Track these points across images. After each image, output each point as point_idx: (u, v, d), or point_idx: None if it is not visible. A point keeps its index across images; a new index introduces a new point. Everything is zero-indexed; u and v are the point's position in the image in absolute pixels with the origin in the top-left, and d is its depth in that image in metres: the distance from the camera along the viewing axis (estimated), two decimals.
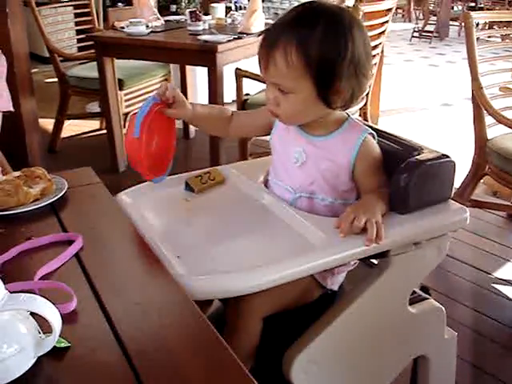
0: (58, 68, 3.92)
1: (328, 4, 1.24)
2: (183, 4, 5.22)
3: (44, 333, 0.80)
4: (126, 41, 3.28)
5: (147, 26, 3.40)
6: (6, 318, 0.76)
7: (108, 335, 0.83)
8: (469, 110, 2.66)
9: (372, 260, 1.45)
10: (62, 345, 0.80)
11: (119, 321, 0.86)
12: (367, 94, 3.35)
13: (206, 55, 3.03)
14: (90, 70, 3.84)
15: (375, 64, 3.17)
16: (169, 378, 0.76)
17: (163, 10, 5.10)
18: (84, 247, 1.08)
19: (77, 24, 4.40)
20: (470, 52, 2.51)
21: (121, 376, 0.76)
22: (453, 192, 1.33)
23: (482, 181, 2.80)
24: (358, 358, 1.34)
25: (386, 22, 3.30)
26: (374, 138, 1.33)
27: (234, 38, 3.16)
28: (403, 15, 13.43)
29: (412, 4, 12.60)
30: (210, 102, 3.08)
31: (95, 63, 3.47)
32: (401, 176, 1.22)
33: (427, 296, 1.46)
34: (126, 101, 3.70)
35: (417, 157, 1.26)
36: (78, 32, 4.33)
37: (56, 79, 4.05)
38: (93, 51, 3.54)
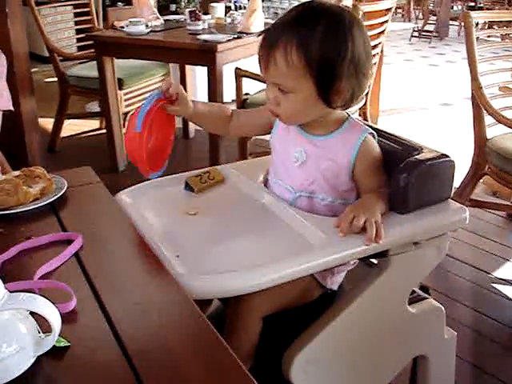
0: (58, 67, 3.92)
1: (328, 4, 1.24)
2: (183, 3, 5.22)
3: (44, 332, 0.80)
4: (125, 40, 3.28)
5: (147, 26, 3.39)
6: (5, 318, 0.76)
7: (108, 335, 0.83)
8: (468, 109, 2.66)
9: (372, 260, 1.45)
10: (62, 344, 0.80)
11: (119, 320, 0.86)
12: (367, 94, 3.36)
13: (206, 55, 3.03)
14: (89, 70, 3.84)
15: (375, 64, 3.17)
16: (168, 377, 0.76)
17: (163, 9, 5.11)
18: (84, 247, 1.08)
19: (76, 23, 4.40)
20: (470, 52, 2.51)
21: (120, 376, 0.76)
22: (452, 192, 1.33)
23: (481, 180, 2.80)
24: (357, 358, 1.34)
25: (386, 21, 3.31)
26: (374, 137, 1.33)
27: (234, 38, 3.16)
28: (403, 15, 13.43)
29: (412, 4, 12.62)
30: (210, 102, 3.08)
31: (95, 63, 3.47)
32: (400, 176, 1.22)
33: (427, 296, 1.47)
34: (125, 100, 3.70)
35: (416, 156, 1.26)
36: (78, 31, 4.33)
37: (56, 79, 4.05)
38: (92, 51, 3.54)
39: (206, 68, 3.09)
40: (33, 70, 3.35)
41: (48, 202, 1.25)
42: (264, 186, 1.42)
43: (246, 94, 3.22)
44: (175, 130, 1.40)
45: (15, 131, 2.91)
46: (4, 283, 0.77)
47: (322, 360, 1.27)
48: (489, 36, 6.78)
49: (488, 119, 2.59)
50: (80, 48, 4.38)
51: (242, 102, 3.15)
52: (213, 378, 0.77)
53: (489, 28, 8.32)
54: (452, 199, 1.32)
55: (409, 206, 1.24)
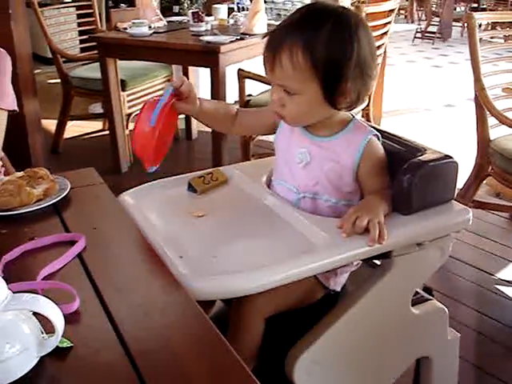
0: (61, 69, 3.92)
1: (333, 5, 1.24)
2: (186, 5, 5.23)
3: (47, 333, 0.80)
4: (128, 42, 3.28)
5: (150, 27, 3.40)
6: (8, 318, 0.76)
7: (111, 335, 0.83)
8: (472, 110, 2.66)
9: (375, 261, 1.45)
10: (65, 345, 0.80)
11: (122, 321, 0.86)
12: (370, 95, 3.35)
13: (209, 56, 3.03)
14: (92, 71, 3.84)
15: (378, 64, 3.16)
16: (172, 378, 0.76)
17: (166, 10, 5.12)
18: (87, 247, 1.08)
19: (79, 25, 4.41)
20: (473, 53, 2.51)
21: (123, 376, 0.76)
22: (456, 193, 1.33)
23: (484, 182, 2.79)
24: (360, 359, 1.34)
25: (389, 22, 3.31)
26: (378, 139, 1.33)
27: (237, 39, 3.16)
28: (406, 16, 13.43)
29: (414, 5, 12.61)
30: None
31: (98, 64, 3.47)
32: (404, 177, 1.22)
33: (430, 297, 1.46)
34: (128, 101, 3.70)
35: (420, 157, 1.26)
36: (81, 33, 4.35)
37: (59, 80, 4.06)
38: (95, 52, 3.54)
39: (208, 69, 3.10)
40: (36, 71, 3.36)
41: (51, 202, 1.25)
42: (267, 186, 1.42)
43: (249, 95, 3.22)
44: (177, 128, 1.40)
45: (18, 132, 2.91)
46: (7, 284, 0.78)
47: (325, 361, 1.27)
48: (492, 37, 6.78)
49: (491, 120, 2.58)
50: (83, 49, 4.38)
51: (245, 104, 3.15)
52: (216, 378, 0.77)
53: (492, 29, 8.32)
54: (455, 200, 1.32)
55: (412, 207, 1.24)
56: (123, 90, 3.61)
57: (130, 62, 3.83)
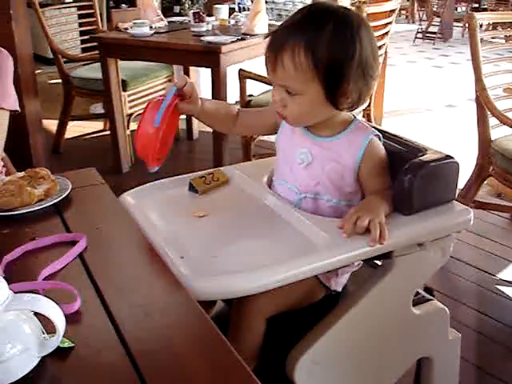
0: (62, 69, 3.93)
1: (335, 5, 1.24)
2: (187, 5, 5.24)
3: (48, 333, 0.80)
4: (129, 42, 3.29)
5: (151, 27, 3.40)
6: (9, 318, 0.76)
7: (112, 336, 0.83)
8: (473, 111, 2.66)
9: (376, 261, 1.45)
10: (66, 345, 0.80)
11: (123, 321, 0.86)
12: (371, 95, 3.35)
13: (210, 56, 3.03)
14: (93, 71, 3.85)
15: (379, 64, 3.16)
16: (172, 378, 0.76)
17: (167, 11, 5.12)
18: (88, 248, 1.08)
19: (80, 25, 4.41)
20: (474, 53, 2.51)
21: (124, 376, 0.76)
22: (456, 193, 1.33)
23: (485, 182, 2.79)
24: (361, 360, 1.34)
25: (390, 23, 3.31)
26: (379, 139, 1.33)
27: (238, 39, 3.16)
28: (407, 16, 13.44)
29: (415, 5, 12.62)
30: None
31: (99, 64, 3.48)
32: (405, 177, 1.22)
33: (431, 297, 1.46)
34: (129, 102, 3.70)
35: (421, 158, 1.26)
36: (82, 33, 4.35)
37: (60, 80, 4.06)
38: (96, 52, 3.55)
39: (209, 69, 3.10)
40: (37, 71, 3.37)
41: (52, 202, 1.25)
42: (268, 187, 1.42)
43: (250, 95, 3.22)
44: (178, 128, 1.40)
45: (19, 132, 2.91)
46: (8, 284, 0.78)
47: (326, 361, 1.27)
48: (493, 37, 6.77)
49: (492, 120, 2.58)
50: (84, 50, 4.39)
51: (246, 104, 3.15)
52: (217, 379, 0.77)
53: (493, 29, 8.32)
54: (456, 200, 1.32)
55: (413, 207, 1.24)
56: (124, 90, 3.61)
57: (131, 62, 3.83)
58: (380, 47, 3.21)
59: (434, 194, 1.28)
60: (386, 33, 3.29)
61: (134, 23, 3.37)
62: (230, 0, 4.37)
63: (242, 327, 1.24)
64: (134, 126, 3.86)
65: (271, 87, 1.28)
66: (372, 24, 2.93)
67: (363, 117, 3.42)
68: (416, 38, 10.36)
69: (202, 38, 3.15)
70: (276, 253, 1.13)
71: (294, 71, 1.17)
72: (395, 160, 1.31)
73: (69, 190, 1.29)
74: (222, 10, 3.87)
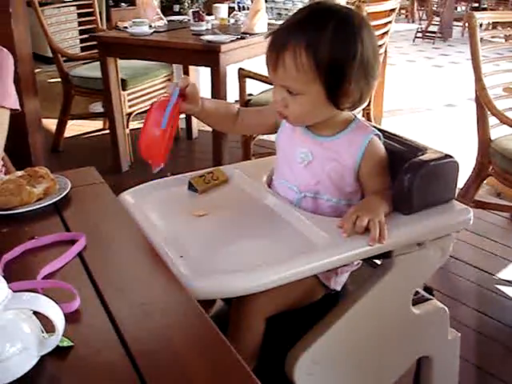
0: (62, 68, 3.92)
1: (336, 5, 1.24)
2: (186, 4, 5.23)
3: (47, 332, 0.80)
4: (129, 41, 3.28)
5: (150, 26, 3.40)
6: (9, 318, 0.76)
7: (111, 335, 0.83)
8: (472, 110, 2.66)
9: (375, 260, 1.45)
10: (65, 344, 0.80)
11: (122, 320, 0.86)
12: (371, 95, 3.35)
13: (209, 55, 3.03)
14: (93, 70, 3.84)
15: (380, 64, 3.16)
16: (172, 378, 0.76)
17: (166, 9, 5.11)
18: (87, 247, 1.08)
19: (80, 24, 4.41)
20: (474, 52, 2.51)
21: (124, 376, 0.76)
22: (456, 193, 1.33)
23: (485, 181, 2.79)
24: (361, 359, 1.34)
25: (390, 22, 3.31)
26: (380, 138, 1.32)
27: (237, 39, 3.16)
28: (406, 15, 13.44)
29: (415, 4, 12.61)
30: None
31: (98, 63, 3.47)
32: (404, 176, 1.22)
33: (430, 297, 1.46)
34: (129, 101, 3.70)
35: (420, 157, 1.26)
36: (81, 32, 4.34)
37: (59, 79, 4.06)
38: (96, 51, 3.54)
39: (209, 69, 3.09)
40: (36, 70, 3.36)
41: (52, 201, 1.25)
42: (268, 186, 1.42)
43: (250, 94, 3.22)
44: (178, 128, 1.40)
45: (19, 131, 2.90)
46: (8, 283, 0.77)
47: (326, 361, 1.27)
48: (493, 37, 6.77)
49: (492, 120, 2.58)
50: (83, 48, 4.38)
51: (246, 103, 3.15)
52: (216, 378, 0.77)
53: (493, 29, 8.31)
54: (456, 200, 1.32)
55: (413, 207, 1.24)
56: (124, 89, 3.61)
57: (131, 61, 3.82)
58: (380, 46, 3.21)
59: (434, 193, 1.28)
60: (386, 32, 3.29)
61: (134, 22, 3.37)
62: None
63: (241, 327, 1.24)
64: (133, 125, 3.86)
65: (271, 86, 1.28)
66: (372, 23, 2.94)
67: (363, 116, 3.42)
68: (416, 37, 10.36)
69: (201, 37, 3.15)
70: (276, 252, 1.13)
71: (296, 71, 1.17)
72: (395, 159, 1.31)
73: (68, 189, 1.29)
74: (222, 9, 3.86)
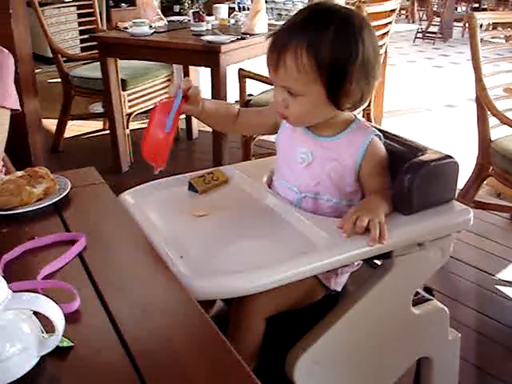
0: (62, 68, 3.92)
1: (336, 5, 1.24)
2: (186, 4, 5.23)
3: (47, 332, 0.80)
4: (129, 41, 3.28)
5: (150, 27, 3.40)
6: (9, 318, 0.76)
7: (111, 335, 0.83)
8: (473, 111, 2.66)
9: (375, 261, 1.45)
10: (65, 344, 0.80)
11: (122, 321, 0.86)
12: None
13: (210, 56, 3.03)
14: (93, 71, 3.84)
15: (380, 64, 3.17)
16: (172, 378, 0.76)
17: (166, 10, 5.11)
18: (87, 247, 1.08)
19: (80, 24, 4.41)
20: (474, 53, 2.51)
21: (124, 376, 0.76)
22: (456, 193, 1.33)
23: (485, 182, 2.79)
24: (361, 359, 1.34)
25: (390, 22, 3.31)
26: (380, 139, 1.32)
27: (238, 39, 3.16)
28: (407, 16, 13.43)
29: (416, 5, 12.61)
30: None
31: (98, 63, 3.47)
32: (404, 176, 1.22)
33: (431, 297, 1.46)
34: (129, 101, 3.70)
35: (421, 157, 1.26)
36: (82, 32, 4.34)
37: (59, 79, 4.06)
38: (96, 51, 3.54)
39: (209, 69, 3.09)
40: (36, 70, 3.35)
41: (52, 202, 1.25)
42: (268, 186, 1.42)
43: (250, 95, 3.22)
44: (178, 128, 1.40)
45: (19, 132, 2.90)
46: (8, 283, 0.77)
47: (326, 361, 1.27)
48: (493, 37, 6.77)
49: (492, 120, 2.58)
50: (83, 49, 4.38)
51: (246, 103, 3.15)
52: (216, 378, 0.77)
53: (493, 29, 8.31)
54: (456, 200, 1.32)
55: (413, 207, 1.24)
56: (124, 89, 3.61)
57: (131, 61, 3.83)
58: (380, 47, 3.20)
59: (434, 193, 1.27)
60: (386, 32, 3.29)
61: (134, 22, 3.37)
62: None
63: (241, 327, 1.24)
64: (133, 125, 3.86)
65: (271, 87, 1.28)
66: (372, 24, 2.94)
67: (363, 116, 3.42)
68: (416, 37, 10.36)
69: (201, 38, 3.15)
70: (276, 252, 1.13)
71: (297, 73, 1.17)
72: (395, 160, 1.31)
73: (68, 190, 1.29)
74: (222, 10, 3.86)
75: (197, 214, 1.28)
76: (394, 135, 1.41)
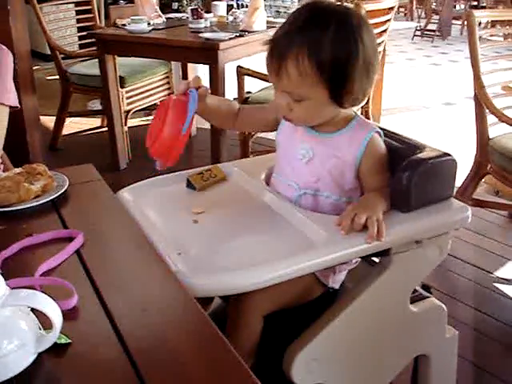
0: (60, 65, 3.92)
1: (334, 5, 1.23)
2: (185, 2, 5.22)
3: (45, 329, 0.79)
4: (127, 38, 3.28)
5: (149, 24, 3.39)
6: (6, 314, 0.76)
7: (109, 332, 0.83)
8: (471, 108, 2.66)
9: (373, 258, 1.45)
10: (63, 341, 0.80)
11: (120, 318, 0.86)
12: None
13: (208, 53, 3.03)
14: (91, 68, 3.84)
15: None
16: (170, 375, 0.76)
17: (165, 7, 5.09)
18: (85, 244, 1.08)
19: (78, 21, 4.41)
20: (473, 51, 2.51)
21: (121, 373, 0.76)
22: (454, 191, 1.33)
23: (483, 180, 2.79)
24: (358, 357, 1.34)
25: (388, 20, 3.30)
26: (380, 136, 1.32)
27: (236, 36, 3.16)
28: (405, 14, 13.41)
29: (414, 2, 12.59)
30: None
31: (96, 60, 3.47)
32: (403, 174, 1.22)
33: (428, 294, 1.46)
34: (127, 98, 3.70)
35: (419, 155, 1.26)
36: (80, 29, 4.34)
37: (57, 76, 4.05)
38: (94, 48, 3.54)
39: (207, 66, 3.09)
40: (35, 67, 3.35)
41: (49, 199, 1.25)
42: (266, 183, 1.42)
43: (248, 92, 3.21)
44: None
45: (17, 129, 2.90)
46: (5, 280, 0.77)
47: (324, 358, 1.27)
48: (491, 35, 6.77)
49: (490, 118, 2.58)
50: (82, 46, 4.37)
51: (244, 101, 3.14)
52: (214, 376, 0.76)
53: (492, 27, 8.30)
54: (454, 198, 1.32)
55: (411, 205, 1.24)
56: (122, 86, 3.61)
57: (129, 58, 3.82)
58: (379, 45, 3.21)
59: (432, 191, 1.28)
60: (385, 30, 3.28)
61: (132, 19, 3.37)
62: None
63: (239, 324, 1.24)
64: (131, 122, 3.85)
65: (269, 84, 1.28)
66: (370, 21, 2.94)
67: (361, 114, 3.41)
68: (414, 35, 10.34)
69: (200, 35, 3.15)
70: (274, 250, 1.13)
71: (300, 78, 1.16)
72: (393, 157, 1.31)
73: (66, 187, 1.29)
74: (221, 7, 3.86)
75: (195, 211, 1.28)
76: (392, 133, 1.41)
